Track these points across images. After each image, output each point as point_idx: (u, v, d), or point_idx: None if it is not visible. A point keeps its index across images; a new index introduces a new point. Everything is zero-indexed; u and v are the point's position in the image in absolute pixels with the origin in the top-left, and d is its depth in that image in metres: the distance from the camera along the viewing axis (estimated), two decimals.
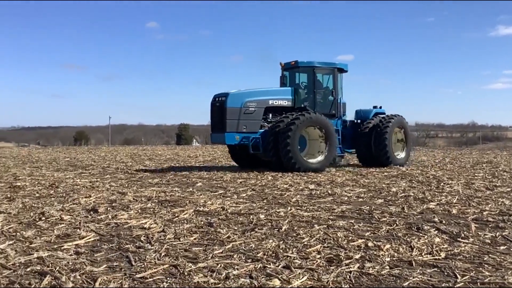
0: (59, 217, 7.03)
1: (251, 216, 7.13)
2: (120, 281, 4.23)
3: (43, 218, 6.97)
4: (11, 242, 5.60)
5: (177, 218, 7.00)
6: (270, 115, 15.09)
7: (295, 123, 13.98)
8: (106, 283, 4.19)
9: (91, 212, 7.45)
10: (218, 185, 11.02)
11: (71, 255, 5.11)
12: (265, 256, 5.03)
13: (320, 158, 14.65)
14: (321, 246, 5.42)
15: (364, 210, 7.74)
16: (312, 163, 14.41)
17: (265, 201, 8.68)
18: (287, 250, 5.27)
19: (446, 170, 15.26)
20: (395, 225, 6.63)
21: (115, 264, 4.80)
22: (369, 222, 6.88)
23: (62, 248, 5.36)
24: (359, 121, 16.86)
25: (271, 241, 5.62)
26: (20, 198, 8.89)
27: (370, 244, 5.53)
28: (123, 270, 4.59)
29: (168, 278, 4.33)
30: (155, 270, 4.55)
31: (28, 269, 4.58)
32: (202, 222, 6.69)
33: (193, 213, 7.43)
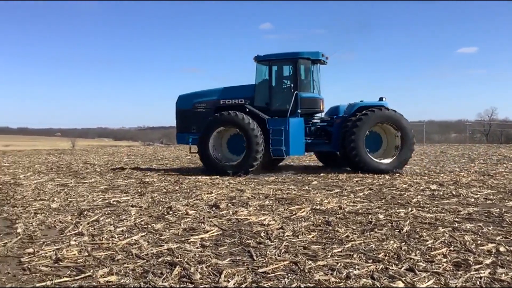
0: (184, 211, 7.46)
1: (370, 216, 6.98)
2: (243, 275, 4.39)
3: (171, 212, 7.45)
4: (143, 234, 6.06)
5: (294, 216, 7.08)
6: None
7: (208, 124, 13.57)
8: (231, 276, 4.38)
9: (213, 208, 7.81)
10: (334, 183, 10.94)
11: (197, 247, 5.41)
12: (386, 257, 4.91)
13: (239, 160, 13.36)
14: (447, 250, 5.16)
15: (494, 213, 7.20)
16: (229, 165, 13.31)
17: (383, 200, 8.45)
18: (410, 252, 5.09)
19: None
20: None
21: (238, 258, 4.99)
22: (500, 225, 6.40)
23: (189, 241, 5.70)
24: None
25: (392, 242, 5.47)
26: (150, 193, 9.58)
27: (501, 249, 5.15)
28: (245, 264, 4.76)
29: (289, 274, 4.41)
30: (276, 265, 4.65)
31: (160, 260, 4.93)
32: (320, 221, 6.70)
33: (310, 211, 7.46)
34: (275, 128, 13.35)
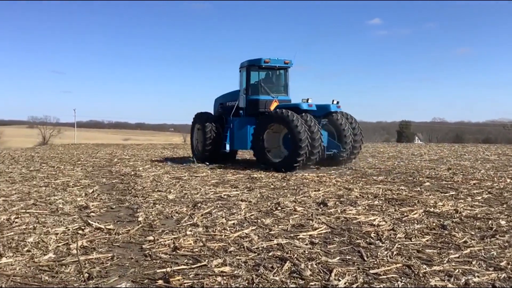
0: (292, 208, 7.53)
1: (490, 221, 6.53)
2: (354, 275, 4.33)
3: (279, 208, 7.56)
4: (253, 228, 6.22)
5: (406, 218, 6.83)
6: None
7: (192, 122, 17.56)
8: (341, 275, 4.34)
9: (321, 205, 7.78)
10: (448, 185, 10.36)
11: (306, 244, 5.43)
12: (509, 266, 4.58)
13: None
14: None
15: None
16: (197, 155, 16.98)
17: (504, 205, 7.84)
18: None
19: None
20: None
21: (347, 257, 4.93)
22: None
23: (298, 237, 5.74)
24: None
25: None
26: (258, 189, 9.80)
27: None
28: (356, 264, 4.69)
29: (402, 278, 4.27)
30: (388, 268, 4.53)
31: (270, 254, 5.03)
32: (434, 224, 6.39)
33: (423, 213, 7.15)
34: (225, 126, 16.15)
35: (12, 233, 5.96)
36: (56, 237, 5.74)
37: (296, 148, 13.20)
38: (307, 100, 14.22)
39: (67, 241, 5.55)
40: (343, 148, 14.67)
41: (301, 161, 13.36)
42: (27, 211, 7.41)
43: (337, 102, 15.02)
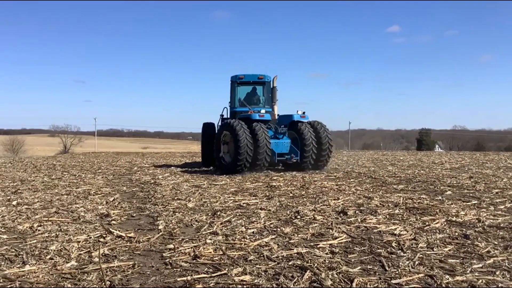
0: (312, 216, 7.50)
1: None
2: (375, 285, 4.29)
3: (298, 217, 7.54)
4: (273, 237, 6.21)
5: (428, 227, 6.75)
6: None
7: None
8: (363, 284, 4.30)
9: (341, 214, 7.74)
10: (471, 194, 10.21)
11: (326, 253, 5.40)
12: None
13: None
14: None
15: None
16: None
17: None
18: None
19: None
20: None
21: (369, 267, 4.89)
22: None
23: (318, 246, 5.71)
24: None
25: None
26: (277, 197, 9.79)
27: None
28: (377, 274, 4.64)
29: None
30: (410, 278, 4.48)
31: (290, 263, 5.01)
32: (456, 233, 6.30)
33: (445, 222, 7.06)
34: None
35: (35, 241, 6.05)
36: (78, 245, 5.80)
37: (236, 154, 15.01)
38: (259, 111, 16.61)
39: (89, 249, 5.61)
40: (302, 155, 16.21)
41: (242, 165, 15.07)
42: (50, 219, 7.51)
43: (303, 113, 16.79)
